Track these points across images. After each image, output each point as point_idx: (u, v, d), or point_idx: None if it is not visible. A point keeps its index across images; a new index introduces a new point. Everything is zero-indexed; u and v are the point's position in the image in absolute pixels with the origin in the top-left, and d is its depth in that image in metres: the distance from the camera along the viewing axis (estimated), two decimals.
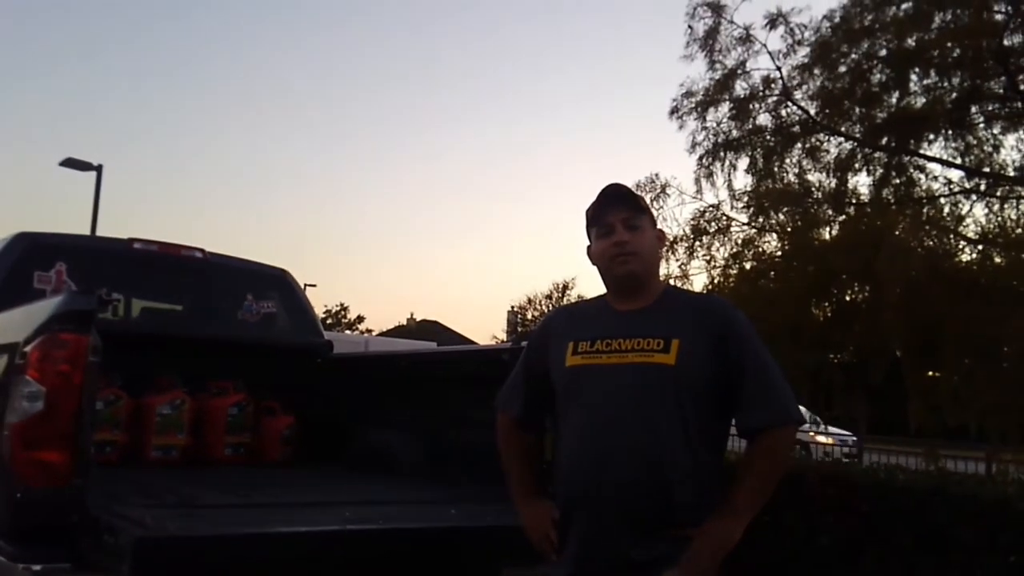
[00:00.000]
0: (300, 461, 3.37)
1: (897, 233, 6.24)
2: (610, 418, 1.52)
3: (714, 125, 7.35)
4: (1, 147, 49.73)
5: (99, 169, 13.59)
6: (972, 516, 3.27)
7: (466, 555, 2.13)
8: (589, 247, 1.70)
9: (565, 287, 35.80)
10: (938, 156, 6.84)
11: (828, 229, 7.18)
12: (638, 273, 1.61)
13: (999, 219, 6.85)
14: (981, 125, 6.77)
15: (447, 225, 57.94)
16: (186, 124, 56.96)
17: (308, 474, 3.05)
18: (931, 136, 6.72)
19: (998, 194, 6.89)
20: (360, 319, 38.42)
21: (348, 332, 29.15)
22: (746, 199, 7.28)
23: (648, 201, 1.77)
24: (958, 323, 5.76)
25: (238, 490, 2.55)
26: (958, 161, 6.77)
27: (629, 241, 1.60)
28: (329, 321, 34.02)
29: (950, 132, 6.67)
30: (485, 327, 67.41)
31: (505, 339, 30.59)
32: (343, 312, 37.98)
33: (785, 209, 7.01)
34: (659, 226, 1.75)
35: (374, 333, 30.76)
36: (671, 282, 5.81)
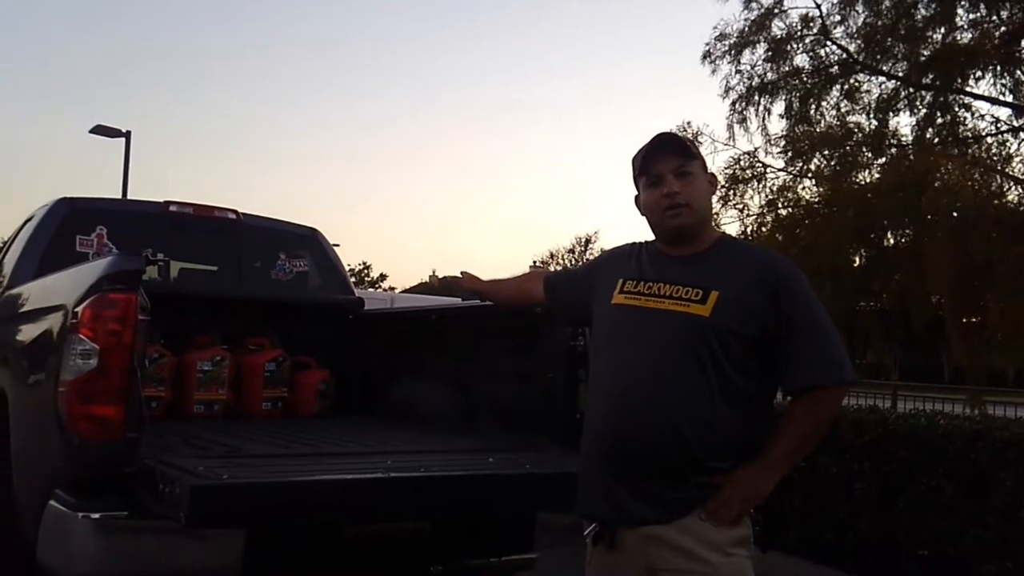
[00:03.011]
0: (336, 414, 3.44)
1: (941, 173, 6.01)
2: (638, 366, 1.50)
3: (748, 68, 7.09)
4: (33, 115, 50.62)
5: (127, 135, 13.77)
6: (1016, 459, 3.22)
7: (504, 501, 2.18)
8: (637, 197, 1.65)
9: (588, 241, 35.55)
10: (985, 94, 6.52)
11: (868, 172, 6.95)
12: (690, 226, 1.57)
13: None
14: None
15: (469, 182, 57.63)
16: (209, 92, 57.10)
17: (345, 426, 3.12)
18: (978, 73, 6.40)
19: None
20: (383, 277, 38.94)
21: (371, 290, 29.44)
22: (782, 144, 7.06)
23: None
24: (1005, 264, 5.58)
25: (281, 441, 2.62)
26: (1006, 98, 6.46)
27: (680, 192, 1.55)
28: (352, 280, 34.55)
29: (998, 68, 6.33)
30: None
31: None
32: (366, 270, 38.43)
33: (825, 152, 6.79)
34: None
35: (397, 291, 31.05)
36: None
